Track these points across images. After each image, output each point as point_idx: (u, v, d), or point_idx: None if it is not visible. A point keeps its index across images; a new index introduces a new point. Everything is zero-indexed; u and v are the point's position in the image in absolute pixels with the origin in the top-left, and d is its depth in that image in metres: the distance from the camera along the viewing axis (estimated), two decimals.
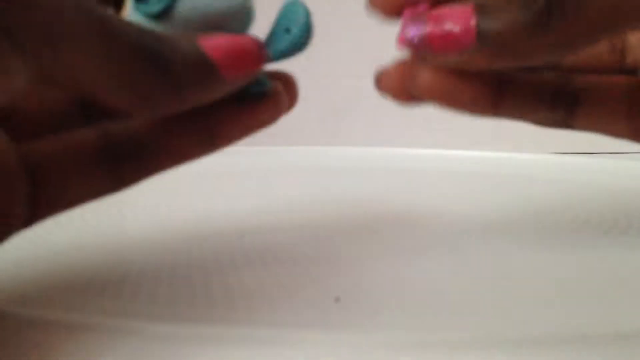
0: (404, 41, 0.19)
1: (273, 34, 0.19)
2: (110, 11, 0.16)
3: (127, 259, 0.24)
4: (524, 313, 0.19)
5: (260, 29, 0.19)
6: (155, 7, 0.18)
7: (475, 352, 0.15)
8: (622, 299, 0.20)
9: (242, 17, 0.19)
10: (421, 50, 0.19)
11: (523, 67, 0.21)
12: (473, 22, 0.18)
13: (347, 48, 0.49)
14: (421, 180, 0.40)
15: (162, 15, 0.18)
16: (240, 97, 0.19)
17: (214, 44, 0.17)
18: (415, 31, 0.19)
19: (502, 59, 0.19)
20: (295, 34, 0.19)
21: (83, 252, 0.24)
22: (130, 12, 0.18)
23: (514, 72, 0.21)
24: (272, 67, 0.20)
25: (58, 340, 0.15)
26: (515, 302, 0.20)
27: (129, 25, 0.16)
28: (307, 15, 0.19)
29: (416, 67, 0.21)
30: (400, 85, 0.21)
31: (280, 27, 0.19)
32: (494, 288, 0.21)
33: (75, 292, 0.21)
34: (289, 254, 0.25)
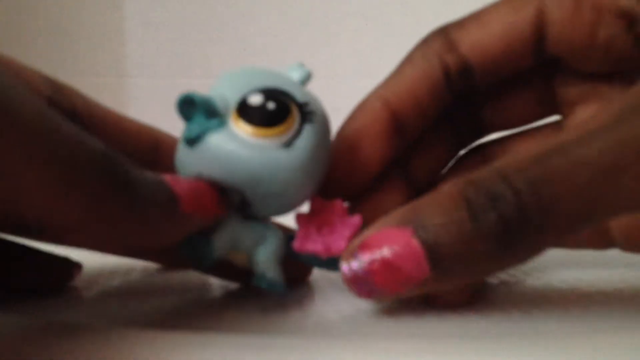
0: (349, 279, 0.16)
1: None
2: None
3: (127, 262, 0.24)
4: (516, 316, 0.19)
5: None
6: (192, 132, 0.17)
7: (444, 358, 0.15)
8: (625, 300, 0.20)
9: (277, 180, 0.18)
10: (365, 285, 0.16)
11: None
12: (415, 243, 0.15)
13: (347, 48, 0.49)
14: None
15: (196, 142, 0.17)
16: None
17: (175, 180, 0.16)
18: (355, 265, 0.16)
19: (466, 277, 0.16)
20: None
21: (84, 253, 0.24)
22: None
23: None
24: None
25: (60, 343, 0.15)
26: (508, 305, 0.19)
27: (86, 139, 0.14)
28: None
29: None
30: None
31: None
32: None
33: (77, 296, 0.21)
34: None
